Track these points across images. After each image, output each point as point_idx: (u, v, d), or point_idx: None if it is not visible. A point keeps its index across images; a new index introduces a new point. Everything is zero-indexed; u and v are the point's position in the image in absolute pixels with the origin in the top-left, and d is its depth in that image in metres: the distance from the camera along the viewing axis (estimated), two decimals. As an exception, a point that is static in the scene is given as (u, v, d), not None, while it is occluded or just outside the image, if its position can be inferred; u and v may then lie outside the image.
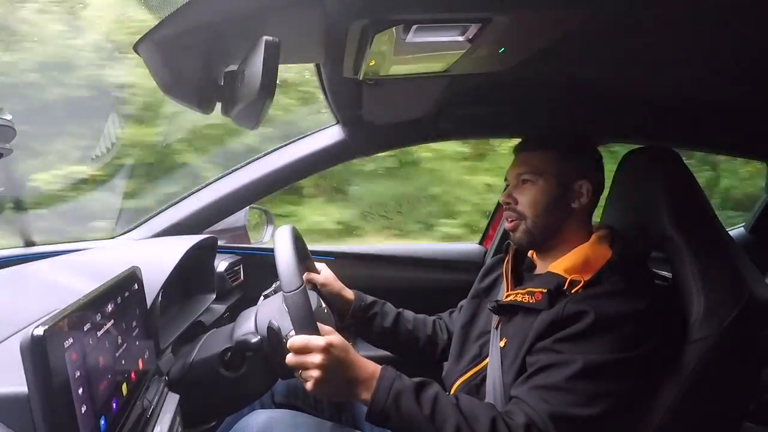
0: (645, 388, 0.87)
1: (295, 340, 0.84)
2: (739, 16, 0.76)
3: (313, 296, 1.01)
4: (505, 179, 1.07)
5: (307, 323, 0.85)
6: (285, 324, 0.90)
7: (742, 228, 1.99)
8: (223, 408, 1.06)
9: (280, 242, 0.93)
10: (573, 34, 0.79)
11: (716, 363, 0.85)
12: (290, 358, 0.84)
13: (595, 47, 0.94)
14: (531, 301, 0.93)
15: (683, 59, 0.97)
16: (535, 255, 1.09)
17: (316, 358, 0.82)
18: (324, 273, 1.22)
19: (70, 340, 0.56)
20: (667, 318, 0.89)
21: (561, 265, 0.95)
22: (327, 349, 0.82)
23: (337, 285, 1.21)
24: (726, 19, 0.78)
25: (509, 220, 1.03)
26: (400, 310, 1.27)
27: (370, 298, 1.25)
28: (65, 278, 0.97)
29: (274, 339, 0.91)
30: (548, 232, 1.00)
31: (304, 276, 0.93)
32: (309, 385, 0.84)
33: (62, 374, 0.54)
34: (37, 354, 0.51)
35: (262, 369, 0.98)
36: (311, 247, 1.24)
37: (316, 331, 0.85)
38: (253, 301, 1.08)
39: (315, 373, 0.82)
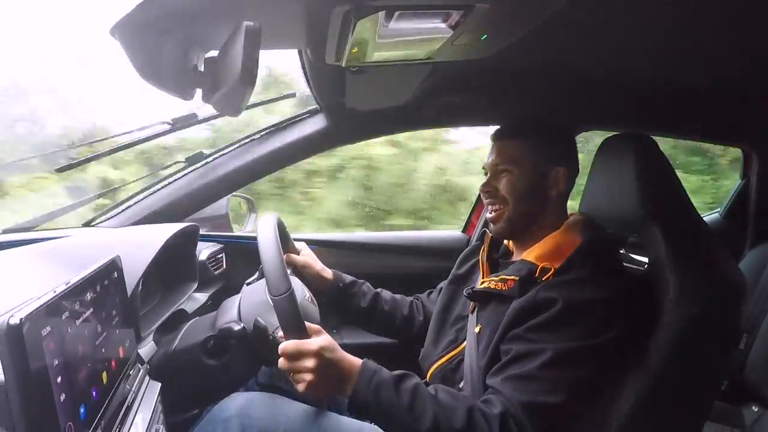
0: (618, 371, 0.90)
1: (287, 346, 0.83)
2: (717, 2, 0.78)
3: (297, 286, 1.01)
4: (483, 168, 1.07)
5: (296, 328, 0.85)
6: (271, 320, 0.90)
7: (717, 214, 2.04)
8: (205, 396, 1.06)
9: (264, 239, 0.91)
10: (554, 22, 0.80)
11: (688, 345, 0.87)
12: (283, 363, 0.84)
13: (576, 34, 0.95)
14: (504, 289, 0.94)
15: (662, 45, 0.99)
16: (510, 242, 1.11)
17: (310, 362, 0.83)
18: (304, 253, 1.23)
19: (48, 329, 0.56)
20: (636, 303, 0.91)
21: (533, 252, 0.96)
22: (319, 353, 0.83)
23: (317, 266, 1.22)
24: (704, 5, 0.79)
25: (492, 209, 1.03)
26: (378, 290, 1.28)
27: (348, 278, 1.26)
28: (42, 266, 0.95)
29: (261, 336, 0.91)
30: (527, 219, 1.01)
31: (284, 258, 0.93)
32: (301, 387, 0.84)
33: (40, 363, 0.54)
34: (14, 343, 0.50)
35: (245, 356, 0.98)
36: (294, 236, 1.24)
37: (306, 334, 0.85)
38: (236, 290, 1.08)
39: (308, 377, 0.83)
